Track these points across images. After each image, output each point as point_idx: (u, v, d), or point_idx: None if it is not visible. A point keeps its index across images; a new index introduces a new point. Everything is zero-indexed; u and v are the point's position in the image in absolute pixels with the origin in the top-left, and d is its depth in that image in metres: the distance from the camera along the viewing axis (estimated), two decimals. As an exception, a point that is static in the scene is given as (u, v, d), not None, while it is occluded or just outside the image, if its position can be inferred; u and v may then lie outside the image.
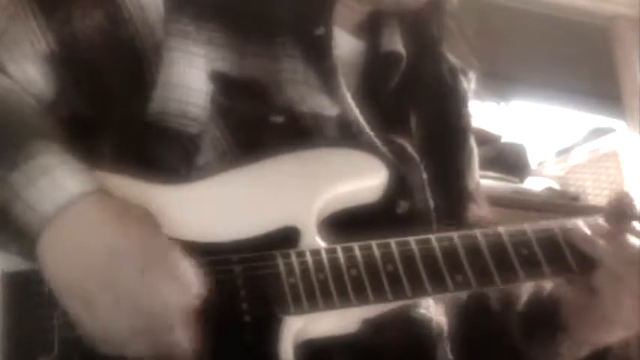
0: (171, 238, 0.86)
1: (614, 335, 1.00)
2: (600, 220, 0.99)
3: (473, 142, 1.19)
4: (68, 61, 0.97)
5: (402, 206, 1.03)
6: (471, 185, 1.17)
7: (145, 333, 0.81)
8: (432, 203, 1.06)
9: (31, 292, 0.86)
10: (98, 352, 0.84)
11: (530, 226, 0.97)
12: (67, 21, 0.97)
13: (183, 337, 0.82)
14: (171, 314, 0.82)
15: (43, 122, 0.92)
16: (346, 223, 0.96)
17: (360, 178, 0.98)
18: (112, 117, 0.98)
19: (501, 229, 0.96)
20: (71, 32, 0.97)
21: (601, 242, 0.96)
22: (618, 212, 0.98)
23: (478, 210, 1.16)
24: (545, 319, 1.05)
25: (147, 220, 0.86)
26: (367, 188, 0.98)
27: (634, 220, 0.98)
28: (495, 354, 1.11)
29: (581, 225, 0.98)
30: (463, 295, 1.08)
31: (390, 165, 1.00)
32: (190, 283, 0.83)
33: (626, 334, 0.99)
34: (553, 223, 0.97)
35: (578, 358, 1.06)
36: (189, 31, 0.98)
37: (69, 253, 0.83)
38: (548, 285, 1.07)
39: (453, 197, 1.11)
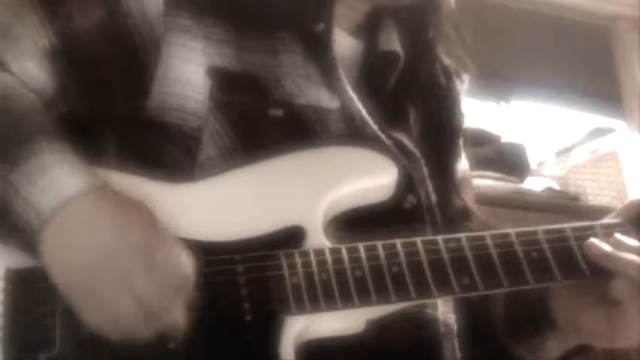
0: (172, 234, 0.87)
1: (625, 343, 0.98)
2: (613, 225, 0.96)
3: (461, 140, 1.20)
4: (69, 57, 0.97)
5: (409, 200, 1.02)
6: (458, 177, 1.16)
7: (148, 317, 0.83)
8: (434, 197, 1.06)
9: (35, 289, 0.86)
10: (98, 350, 0.84)
11: (541, 229, 0.94)
12: (68, 17, 0.97)
13: (180, 317, 0.84)
14: (169, 296, 0.83)
15: (45, 120, 0.92)
16: (353, 218, 0.96)
17: (369, 178, 0.97)
18: (112, 112, 0.98)
19: (511, 231, 0.94)
20: (72, 28, 0.97)
21: (622, 255, 0.93)
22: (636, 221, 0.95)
23: (460, 201, 1.15)
24: (531, 315, 1.04)
25: (144, 216, 0.87)
26: (376, 188, 0.97)
27: None
28: (480, 345, 1.10)
29: (597, 234, 0.95)
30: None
31: (397, 161, 0.99)
32: (184, 267, 0.85)
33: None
34: (565, 226, 0.95)
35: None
36: (187, 26, 0.99)
37: (68, 253, 0.84)
38: None
39: (446, 192, 1.11)
